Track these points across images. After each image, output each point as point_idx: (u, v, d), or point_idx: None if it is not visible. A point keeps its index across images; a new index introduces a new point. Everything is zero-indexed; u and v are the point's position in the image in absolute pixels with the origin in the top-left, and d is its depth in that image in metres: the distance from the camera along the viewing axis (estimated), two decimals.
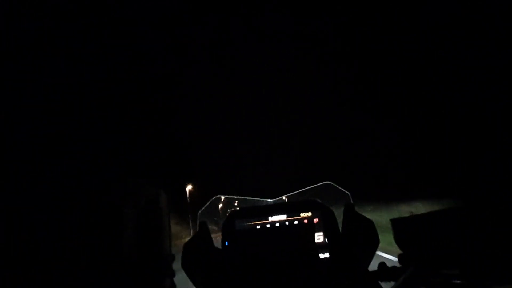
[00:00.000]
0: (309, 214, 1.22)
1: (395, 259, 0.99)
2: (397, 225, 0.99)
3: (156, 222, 0.92)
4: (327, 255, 1.16)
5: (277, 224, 1.21)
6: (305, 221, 1.21)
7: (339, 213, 1.28)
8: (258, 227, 1.20)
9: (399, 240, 0.97)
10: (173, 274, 0.95)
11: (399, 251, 0.98)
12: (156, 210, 0.93)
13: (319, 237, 1.19)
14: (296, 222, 1.21)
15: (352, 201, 1.49)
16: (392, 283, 0.96)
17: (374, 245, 1.14)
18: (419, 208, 9.42)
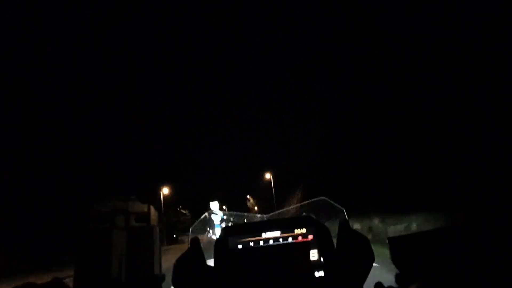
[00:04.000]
0: (304, 230, 1.20)
1: None
2: (395, 243, 0.97)
3: (146, 240, 0.89)
4: (322, 273, 1.13)
5: (271, 241, 1.18)
6: (300, 237, 1.19)
7: (334, 229, 1.26)
8: (251, 244, 1.17)
9: (396, 259, 0.95)
10: None
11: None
12: (146, 228, 0.90)
13: (314, 254, 1.16)
14: (290, 239, 1.19)
15: (347, 218, 1.47)
16: None
17: (369, 262, 1.12)
18: (417, 225, 9.42)
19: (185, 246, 1.13)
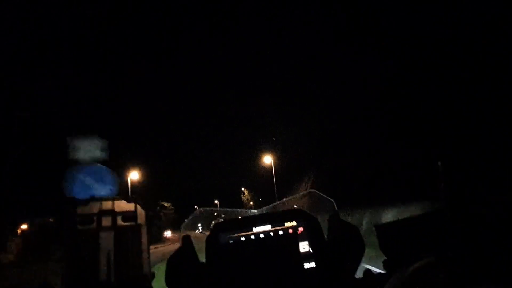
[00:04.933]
0: (294, 223, 1.21)
1: None
2: (381, 231, 0.98)
3: (134, 239, 0.88)
4: (312, 264, 1.15)
5: (262, 235, 1.19)
6: (290, 230, 1.20)
7: (324, 220, 1.27)
8: (242, 239, 1.18)
9: (383, 246, 0.96)
10: None
11: None
12: (134, 227, 0.89)
13: (304, 246, 1.18)
14: (281, 232, 1.19)
15: (336, 209, 1.48)
16: None
17: (360, 252, 1.14)
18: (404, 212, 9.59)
19: (168, 248, 1.12)
